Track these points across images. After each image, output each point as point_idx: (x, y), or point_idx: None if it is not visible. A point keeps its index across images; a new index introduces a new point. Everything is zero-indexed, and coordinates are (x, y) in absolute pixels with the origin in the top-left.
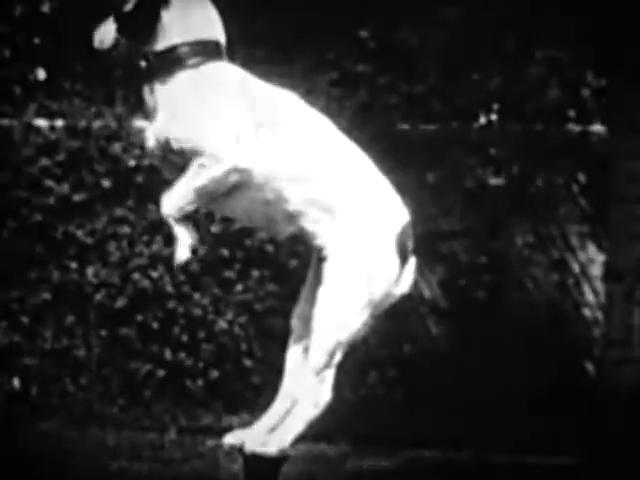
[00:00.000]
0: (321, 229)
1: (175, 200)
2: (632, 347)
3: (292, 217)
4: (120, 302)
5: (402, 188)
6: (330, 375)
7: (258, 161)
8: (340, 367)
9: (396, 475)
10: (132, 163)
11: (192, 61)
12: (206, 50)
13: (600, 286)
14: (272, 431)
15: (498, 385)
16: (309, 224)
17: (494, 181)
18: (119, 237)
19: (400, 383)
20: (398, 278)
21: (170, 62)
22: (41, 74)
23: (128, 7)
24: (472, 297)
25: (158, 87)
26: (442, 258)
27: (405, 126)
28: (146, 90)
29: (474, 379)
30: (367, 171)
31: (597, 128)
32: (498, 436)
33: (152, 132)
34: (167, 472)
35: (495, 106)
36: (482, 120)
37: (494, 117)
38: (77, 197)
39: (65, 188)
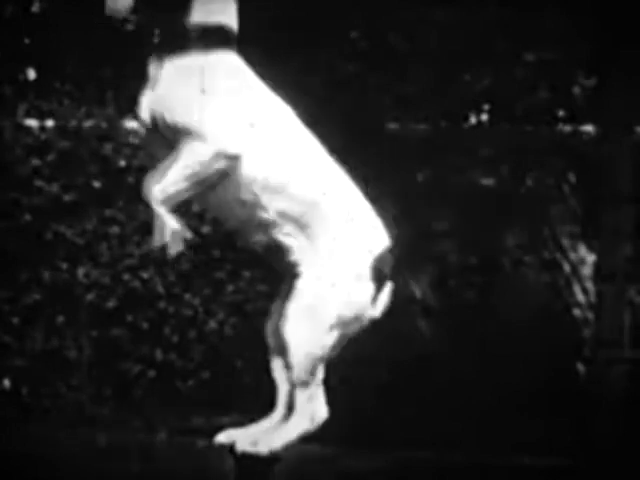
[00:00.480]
0: (295, 245)
1: (166, 186)
2: (623, 347)
3: (265, 226)
4: (111, 303)
5: (392, 188)
6: (319, 391)
7: (243, 157)
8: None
9: (388, 476)
10: (123, 164)
11: (205, 44)
12: (221, 37)
13: (591, 286)
14: (265, 433)
15: (489, 386)
16: (282, 237)
17: (485, 181)
18: (110, 237)
19: (391, 384)
20: (371, 303)
21: (185, 40)
22: (31, 74)
23: None
24: (463, 298)
25: (166, 62)
26: (432, 258)
27: (395, 126)
28: (153, 61)
29: (465, 380)
30: (349, 193)
31: (588, 128)
32: (489, 437)
33: (148, 103)
34: (158, 473)
35: (485, 106)
36: (472, 120)
37: (484, 117)
38: (67, 197)
39: (55, 188)
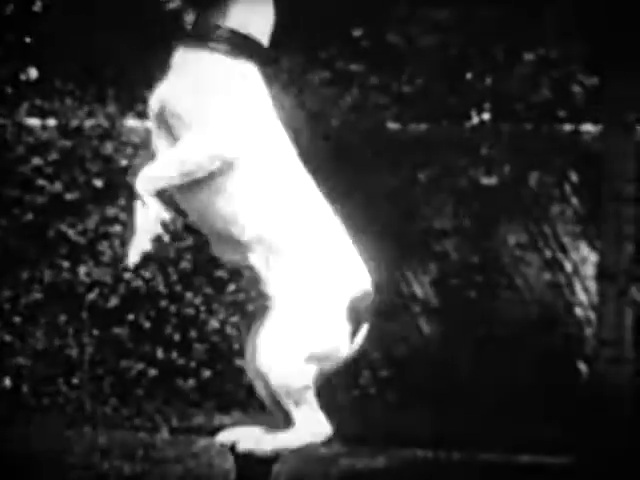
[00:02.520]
0: (269, 275)
1: (156, 173)
2: (624, 347)
3: (239, 246)
4: (112, 301)
5: (394, 187)
6: (316, 415)
7: (236, 167)
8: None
9: (389, 475)
10: (124, 162)
11: (233, 50)
12: (246, 47)
13: (593, 285)
14: (266, 433)
15: (490, 384)
16: (255, 263)
17: (486, 181)
18: (111, 236)
19: (392, 383)
20: (344, 344)
21: (212, 39)
22: (33, 73)
23: None
24: (464, 296)
25: (187, 52)
26: (434, 258)
27: (396, 125)
28: (176, 48)
29: (466, 379)
30: (332, 229)
31: (589, 127)
32: (490, 436)
33: (161, 91)
34: (159, 472)
35: (487, 105)
36: (474, 120)
37: (486, 117)
38: (69, 196)
39: (57, 187)
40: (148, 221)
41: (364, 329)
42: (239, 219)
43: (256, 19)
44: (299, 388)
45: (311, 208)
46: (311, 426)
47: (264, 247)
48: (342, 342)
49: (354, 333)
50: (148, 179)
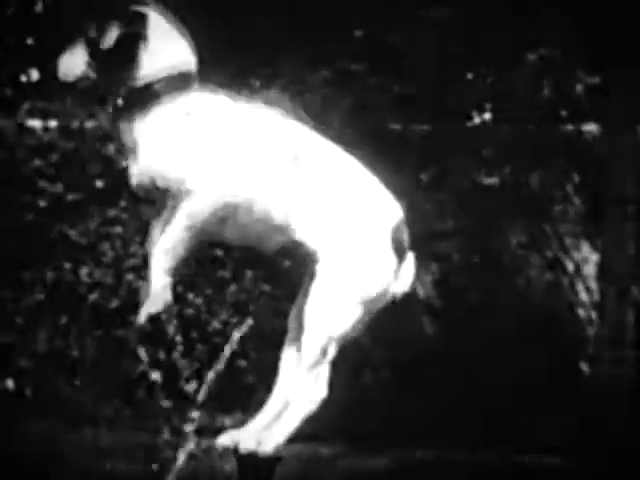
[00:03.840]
0: (313, 233)
1: (167, 245)
2: (626, 346)
3: (281, 228)
4: (114, 302)
5: (395, 188)
6: (325, 372)
7: (242, 187)
8: (334, 366)
9: (389, 475)
10: (125, 164)
11: (168, 95)
12: (181, 82)
13: (594, 285)
14: (266, 430)
15: (492, 384)
16: (300, 232)
17: (488, 181)
18: (113, 237)
19: (393, 383)
20: (396, 275)
21: (147, 98)
22: (34, 74)
23: (106, 44)
24: (466, 297)
25: (136, 124)
26: (436, 258)
27: (397, 126)
28: (123, 127)
29: (468, 378)
30: (355, 169)
31: (591, 127)
32: (491, 435)
33: (135, 171)
34: (161, 472)
35: (488, 106)
36: (475, 120)
37: (487, 117)
38: (70, 197)
39: (58, 188)
40: (162, 289)
41: (410, 259)
42: (269, 210)
43: (169, 51)
44: (333, 338)
45: (328, 157)
46: (311, 391)
47: (304, 214)
48: (392, 278)
49: (400, 265)
50: (164, 259)
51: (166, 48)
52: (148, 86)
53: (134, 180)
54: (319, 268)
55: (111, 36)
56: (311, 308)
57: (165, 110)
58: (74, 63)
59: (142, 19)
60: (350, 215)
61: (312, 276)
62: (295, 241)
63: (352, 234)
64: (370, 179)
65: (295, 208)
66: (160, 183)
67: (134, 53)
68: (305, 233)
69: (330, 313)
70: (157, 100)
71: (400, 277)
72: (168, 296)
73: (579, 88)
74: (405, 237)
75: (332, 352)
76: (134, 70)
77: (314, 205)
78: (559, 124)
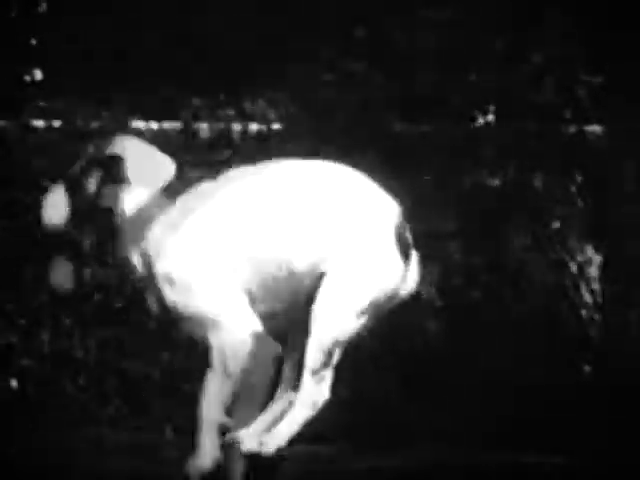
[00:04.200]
0: (319, 240)
1: (219, 405)
2: (628, 347)
3: (309, 267)
4: (117, 303)
5: (396, 188)
6: (328, 375)
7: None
8: (337, 367)
9: (393, 475)
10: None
11: (158, 212)
12: (167, 195)
13: (597, 286)
14: (269, 431)
15: (494, 385)
16: (318, 257)
17: (490, 182)
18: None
19: (397, 383)
20: (403, 275)
21: (138, 225)
22: (38, 75)
23: (89, 191)
24: (468, 298)
25: (133, 246)
26: (439, 258)
27: (400, 126)
28: (124, 249)
29: (471, 379)
30: (349, 176)
31: (594, 128)
32: (494, 435)
33: (154, 298)
34: (163, 472)
35: (491, 106)
36: (479, 120)
37: (490, 117)
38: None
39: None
40: (212, 448)
41: (414, 258)
42: (290, 264)
43: (149, 170)
44: (339, 343)
45: (319, 175)
46: (314, 394)
47: (316, 242)
48: (399, 280)
49: (406, 266)
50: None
51: (146, 168)
52: (138, 213)
53: (155, 310)
54: (327, 273)
55: (92, 182)
56: (319, 312)
57: (160, 225)
58: (57, 211)
59: (119, 161)
60: (353, 220)
61: (318, 280)
62: (317, 265)
63: (358, 239)
64: (366, 182)
65: (309, 244)
66: (184, 311)
67: (116, 198)
68: (321, 252)
69: (338, 317)
70: (149, 221)
71: (407, 278)
72: (218, 454)
73: (581, 89)
74: (409, 236)
75: (337, 356)
76: (117, 209)
77: (319, 214)
78: (561, 125)
